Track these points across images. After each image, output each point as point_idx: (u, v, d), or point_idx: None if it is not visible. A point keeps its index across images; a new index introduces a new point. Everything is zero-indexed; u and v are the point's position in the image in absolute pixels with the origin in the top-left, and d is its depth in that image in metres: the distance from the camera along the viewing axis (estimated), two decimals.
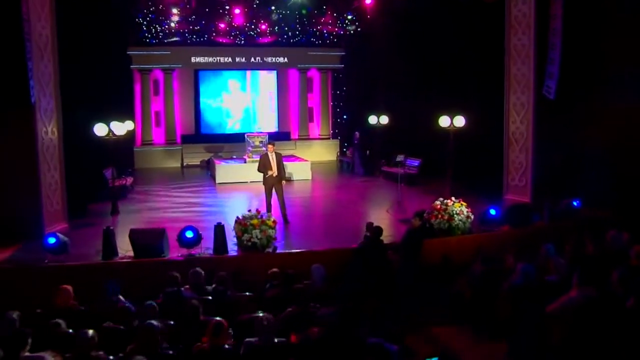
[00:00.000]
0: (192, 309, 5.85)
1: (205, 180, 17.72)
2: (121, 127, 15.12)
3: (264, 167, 11.67)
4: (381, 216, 12.28)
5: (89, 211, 12.98)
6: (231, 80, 22.72)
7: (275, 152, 11.81)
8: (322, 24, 21.16)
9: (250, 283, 8.54)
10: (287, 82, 23.24)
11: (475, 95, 15.35)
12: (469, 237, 10.30)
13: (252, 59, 21.98)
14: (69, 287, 6.69)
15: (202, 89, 22.44)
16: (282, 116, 23.16)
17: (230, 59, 21.79)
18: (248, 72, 22.33)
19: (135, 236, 9.40)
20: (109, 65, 17.31)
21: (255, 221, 9.41)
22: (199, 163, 21.43)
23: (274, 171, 11.48)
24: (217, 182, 16.75)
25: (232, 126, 22.82)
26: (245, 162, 17.43)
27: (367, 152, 18.97)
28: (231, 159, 18.82)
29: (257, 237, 9.36)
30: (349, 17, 20.94)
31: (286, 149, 20.93)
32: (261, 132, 19.20)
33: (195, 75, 22.31)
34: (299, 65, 22.39)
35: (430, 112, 14.07)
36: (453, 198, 10.59)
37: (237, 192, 15.38)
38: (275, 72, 22.49)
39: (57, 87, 11.53)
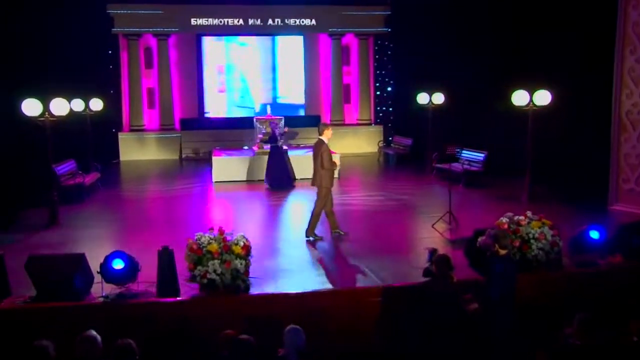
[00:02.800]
0: None
1: (205, 177, 16.22)
2: (78, 105, 13.69)
3: (332, 158, 9.84)
4: (424, 234, 10.27)
5: (18, 221, 11.33)
6: (243, 49, 21.53)
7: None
8: None
9: (199, 345, 6.68)
10: (316, 51, 21.97)
11: (563, 62, 13.71)
12: (555, 278, 7.64)
13: (271, 21, 20.70)
14: None
15: (206, 60, 21.26)
16: (309, 96, 21.99)
17: (241, 21, 20.56)
18: (265, 39, 21.40)
19: (35, 267, 7.29)
20: (84, 26, 16.47)
21: (213, 246, 7.07)
22: (200, 155, 19.88)
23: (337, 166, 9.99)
24: (213, 180, 15.42)
25: (245, 108, 21.41)
26: (254, 155, 16.04)
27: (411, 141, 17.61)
28: (240, 150, 17.27)
29: (215, 271, 7.02)
30: None
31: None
32: (274, 116, 17.18)
33: (197, 43, 21.14)
34: (331, 30, 21.17)
35: (499, 89, 13.07)
36: (529, 213, 7.90)
37: (239, 195, 14.07)
38: (301, 38, 21.59)
39: None
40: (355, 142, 20.84)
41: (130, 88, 20.43)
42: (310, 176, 15.01)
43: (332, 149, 17.61)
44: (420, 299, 6.45)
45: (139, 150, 20.24)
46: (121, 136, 20.20)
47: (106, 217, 12.08)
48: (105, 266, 7.44)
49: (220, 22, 20.36)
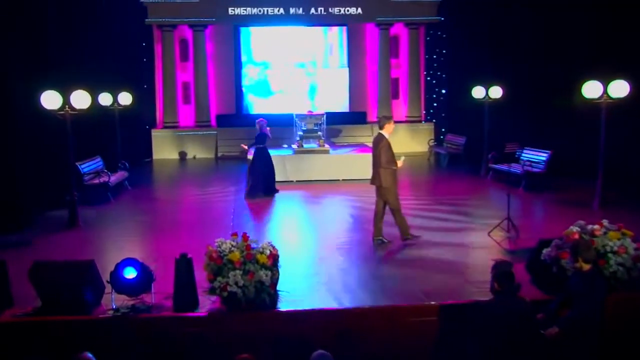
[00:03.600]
0: None
1: (241, 177, 15.75)
2: (106, 99, 13.57)
3: (389, 156, 9.26)
4: (479, 242, 9.52)
5: (35, 222, 11.06)
6: (284, 41, 21.03)
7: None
8: None
9: None
10: (361, 42, 21.52)
11: None
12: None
13: (313, 10, 20.32)
14: None
15: (245, 52, 21.02)
16: (354, 91, 21.53)
17: (282, 10, 20.21)
18: (307, 29, 21.01)
19: (39, 275, 6.84)
20: (116, 17, 16.39)
21: (234, 255, 6.47)
22: (238, 153, 19.06)
23: (399, 163, 9.27)
24: None
25: (287, 104, 20.77)
26: (293, 154, 15.60)
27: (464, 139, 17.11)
28: (278, 148, 16.59)
29: (237, 283, 6.41)
30: None
31: (359, 136, 19.54)
32: (315, 113, 16.66)
33: (235, 34, 20.92)
34: (378, 19, 20.60)
35: (567, 79, 12.52)
36: (605, 222, 7.02)
37: (275, 197, 13.52)
38: (345, 28, 21.14)
39: None
40: (404, 141, 20.00)
41: (165, 82, 20.27)
42: (356, 177, 15.18)
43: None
44: (486, 320, 5.64)
45: (172, 149, 20.06)
46: (154, 133, 20.05)
47: (130, 219, 11.78)
48: (116, 275, 6.93)
49: (260, 11, 20.06)
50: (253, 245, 6.85)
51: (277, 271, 6.91)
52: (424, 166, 18.36)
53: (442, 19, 20.40)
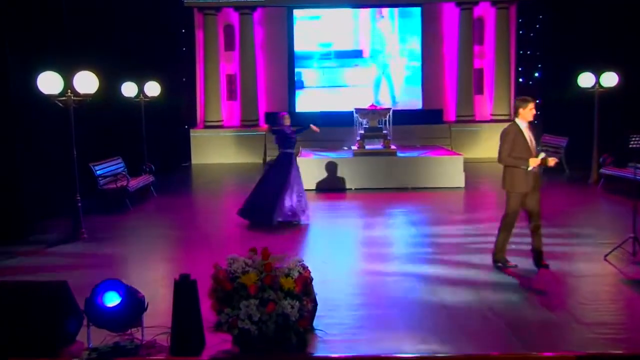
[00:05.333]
0: None
1: None
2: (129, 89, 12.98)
3: (515, 150, 7.97)
4: (593, 269, 8.28)
5: (35, 232, 10.58)
6: (347, 26, 20.61)
7: (529, 126, 8.10)
8: None
9: None
10: (439, 26, 20.94)
11: None
12: None
13: None
14: None
15: (300, 40, 20.60)
16: (429, 84, 20.94)
17: None
18: (375, 12, 20.60)
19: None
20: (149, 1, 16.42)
21: (249, 277, 5.39)
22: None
23: (534, 160, 7.84)
24: None
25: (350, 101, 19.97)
26: (352, 156, 14.99)
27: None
28: (336, 150, 16.21)
29: (250, 318, 5.18)
30: None
31: (434, 137, 19.24)
32: (380, 108, 15.84)
33: (289, 17, 20.56)
34: None
35: None
36: None
37: (328, 208, 12.94)
38: (419, 9, 20.58)
39: None
40: (490, 144, 18.29)
41: (207, 75, 20.12)
42: (429, 185, 14.42)
43: (460, 150, 17.23)
44: None
45: (214, 151, 19.75)
46: (194, 134, 19.85)
47: (146, 232, 11.09)
48: (93, 302, 5.77)
49: None
50: (277, 264, 5.68)
51: (310, 301, 5.72)
52: None
53: None
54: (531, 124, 8.09)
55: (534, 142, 8.01)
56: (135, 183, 12.96)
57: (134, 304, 5.91)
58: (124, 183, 12.42)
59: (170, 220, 11.98)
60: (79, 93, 9.79)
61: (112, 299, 5.83)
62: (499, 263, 8.18)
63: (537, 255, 8.09)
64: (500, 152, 7.95)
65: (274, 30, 20.48)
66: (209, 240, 10.11)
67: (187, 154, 19.40)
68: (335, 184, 14.27)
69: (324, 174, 14.51)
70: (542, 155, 7.87)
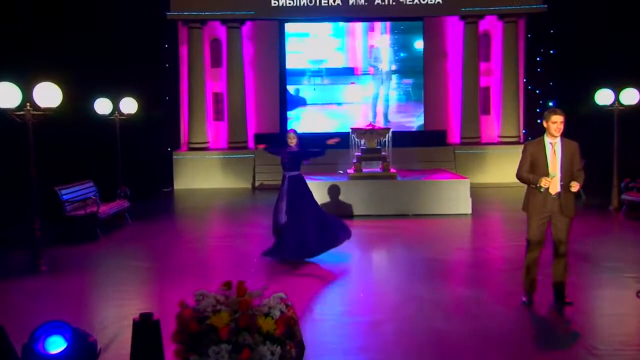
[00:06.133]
0: None
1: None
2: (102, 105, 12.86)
3: (535, 167, 7.50)
4: (623, 307, 7.75)
5: None
6: (341, 41, 20.70)
7: (564, 140, 7.50)
8: None
9: None
10: (441, 41, 21.02)
11: None
12: None
13: (378, 0, 19.94)
14: None
15: (292, 55, 20.63)
16: (431, 104, 20.84)
17: (339, 1, 19.91)
18: (373, 25, 20.64)
19: None
20: (131, 10, 16.39)
21: (219, 318, 4.90)
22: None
23: (545, 180, 7.31)
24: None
25: (345, 120, 20.29)
26: (348, 180, 14.66)
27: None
28: (330, 174, 15.90)
29: None
30: None
31: (437, 161, 19.26)
32: (379, 127, 15.60)
33: (280, 32, 20.61)
34: (463, 10, 20.11)
35: None
36: None
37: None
38: (420, 24, 20.64)
39: None
40: (498, 168, 19.46)
41: (191, 93, 20.00)
42: (432, 212, 14.04)
43: (465, 175, 16.76)
44: None
45: (199, 176, 19.56)
46: (176, 156, 19.67)
47: (117, 263, 10.50)
48: (31, 349, 5.07)
49: (311, 2, 19.81)
50: (256, 300, 5.10)
51: (294, 345, 5.07)
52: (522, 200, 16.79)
53: (547, 6, 19.39)
54: (565, 142, 7.41)
55: (559, 162, 7.30)
56: (106, 209, 12.50)
57: (83, 350, 5.23)
58: (94, 209, 11.88)
59: (144, 249, 11.53)
60: (39, 107, 9.22)
61: (55, 345, 5.16)
62: (524, 299, 7.61)
63: (559, 290, 7.51)
64: (518, 169, 7.50)
65: (264, 46, 20.43)
66: (186, 273, 9.53)
67: (169, 179, 19.19)
68: (329, 211, 13.48)
69: (318, 200, 13.82)
70: (553, 175, 7.25)
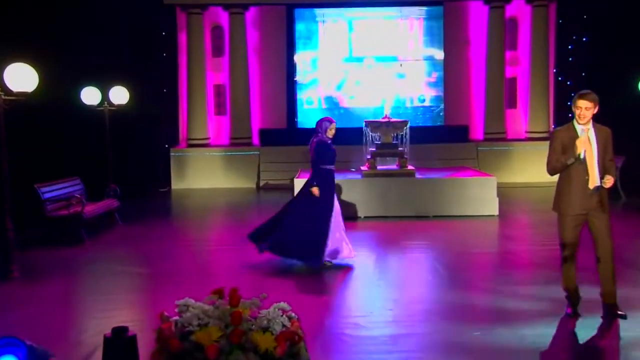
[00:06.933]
0: None
1: None
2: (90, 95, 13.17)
3: (561, 153, 7.05)
4: None
5: None
6: (357, 28, 20.30)
7: (596, 126, 7.12)
8: None
9: None
10: (463, 28, 20.73)
11: None
12: None
13: None
14: None
15: (302, 44, 20.47)
16: (452, 97, 20.63)
17: None
18: (387, 11, 20.40)
19: None
20: None
21: (206, 333, 4.40)
22: (288, 181, 18.51)
23: (590, 172, 6.91)
24: None
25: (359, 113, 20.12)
26: (362, 178, 14.47)
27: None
28: (343, 171, 15.59)
29: None
30: None
31: (460, 159, 19.14)
32: (395, 120, 15.16)
33: (289, 18, 20.42)
34: None
35: None
36: None
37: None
38: (440, 8, 20.50)
39: None
40: (525, 167, 19.31)
41: (191, 85, 19.82)
42: (454, 213, 13.84)
43: (492, 171, 16.49)
44: None
45: (198, 174, 19.40)
46: (174, 153, 19.46)
47: (102, 268, 10.11)
48: None
49: None
50: (254, 312, 4.60)
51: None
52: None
53: None
54: (598, 129, 6.83)
55: (595, 151, 6.80)
56: (93, 209, 12.12)
57: None
58: (78, 209, 11.49)
59: (135, 253, 11.17)
60: (11, 91, 8.74)
61: None
62: (568, 310, 7.06)
63: (609, 300, 6.93)
64: (547, 162, 7.03)
65: (270, 33, 20.28)
66: (181, 280, 9.14)
67: (166, 177, 19.03)
68: (344, 211, 13.23)
69: None
70: (583, 134, 6.72)
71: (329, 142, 9.61)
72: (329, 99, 20.43)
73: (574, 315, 6.88)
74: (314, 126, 9.79)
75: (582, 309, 6.98)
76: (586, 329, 6.73)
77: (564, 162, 6.70)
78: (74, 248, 11.19)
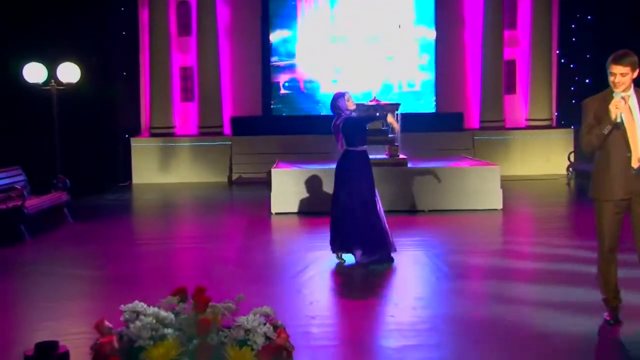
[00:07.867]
0: None
1: (264, 211, 14.70)
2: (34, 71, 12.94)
3: (595, 125, 6.54)
4: None
5: None
6: (339, 8, 20.23)
7: (638, 91, 6.58)
8: None
9: None
10: (458, 6, 20.50)
11: None
12: None
13: None
14: None
15: (277, 23, 20.17)
16: (445, 82, 20.45)
17: None
18: None
19: None
20: None
21: (166, 348, 3.75)
22: (264, 174, 18.20)
23: (633, 147, 6.34)
24: (272, 212, 14.18)
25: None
26: None
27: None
28: (322, 162, 15.61)
29: None
30: None
31: (455, 149, 19.09)
32: (385, 103, 14.70)
33: None
34: None
35: None
36: None
37: (309, 239, 12.22)
38: None
39: None
40: (527, 157, 19.28)
41: (154, 67, 19.30)
42: (451, 207, 14.40)
43: (494, 160, 16.05)
44: None
45: (163, 167, 19.07)
46: (136, 144, 18.94)
47: (43, 271, 9.62)
48: None
49: None
50: (226, 319, 4.06)
51: None
52: (561, 195, 17.00)
53: None
54: None
55: (638, 123, 6.12)
56: (36, 203, 11.70)
57: None
58: (19, 202, 11.09)
59: (86, 254, 10.66)
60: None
61: None
62: (609, 318, 6.45)
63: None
64: (580, 137, 6.43)
65: (243, 10, 19.89)
66: (140, 283, 8.79)
67: (126, 170, 18.58)
68: (324, 206, 12.61)
69: (308, 193, 13.82)
70: (619, 95, 6.09)
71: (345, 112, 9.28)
72: (309, 83, 20.08)
73: (614, 322, 6.20)
74: (330, 109, 9.49)
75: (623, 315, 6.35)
76: (631, 338, 6.14)
77: (598, 133, 6.04)
78: (12, 247, 10.91)
